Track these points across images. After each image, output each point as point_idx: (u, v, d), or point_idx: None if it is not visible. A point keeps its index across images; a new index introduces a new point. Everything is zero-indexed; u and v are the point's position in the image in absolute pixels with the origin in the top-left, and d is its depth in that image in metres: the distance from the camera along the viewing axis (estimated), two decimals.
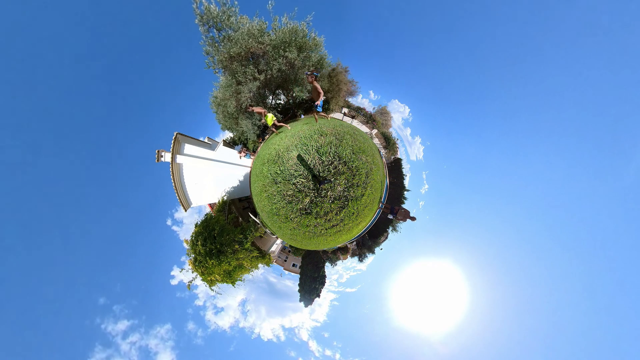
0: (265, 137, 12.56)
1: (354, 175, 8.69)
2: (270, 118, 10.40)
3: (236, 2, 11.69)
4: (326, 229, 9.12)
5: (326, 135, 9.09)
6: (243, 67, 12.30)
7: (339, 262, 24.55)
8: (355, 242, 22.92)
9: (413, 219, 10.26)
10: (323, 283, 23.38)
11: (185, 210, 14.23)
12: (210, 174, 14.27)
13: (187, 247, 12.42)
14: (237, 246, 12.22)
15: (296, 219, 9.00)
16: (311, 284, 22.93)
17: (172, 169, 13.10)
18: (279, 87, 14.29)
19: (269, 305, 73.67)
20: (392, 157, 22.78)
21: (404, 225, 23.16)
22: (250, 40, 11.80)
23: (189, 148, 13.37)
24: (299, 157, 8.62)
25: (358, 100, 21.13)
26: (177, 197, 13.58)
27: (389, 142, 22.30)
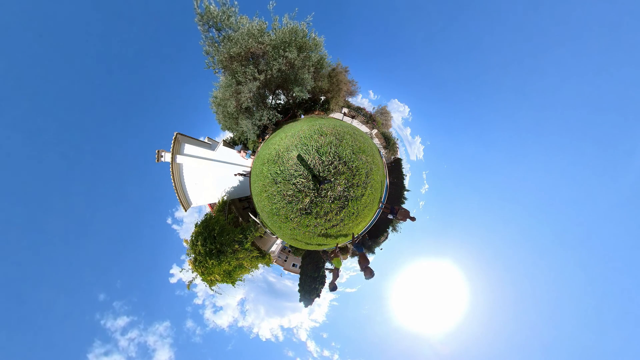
0: (266, 137, 12.61)
1: (354, 175, 8.69)
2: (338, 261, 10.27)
3: (236, 2, 11.68)
4: (326, 229, 9.13)
5: (326, 135, 9.09)
6: (243, 67, 12.29)
7: None
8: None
9: (413, 219, 10.25)
10: (323, 283, 23.37)
11: (185, 210, 14.25)
12: (210, 174, 14.28)
13: (187, 247, 12.42)
14: (237, 246, 12.22)
15: (296, 219, 9.00)
16: (311, 284, 22.93)
17: (172, 169, 13.12)
18: (279, 87, 14.29)
19: (268, 305, 73.68)
20: (392, 157, 22.72)
21: (404, 225, 23.13)
22: (250, 40, 11.80)
23: (189, 148, 13.39)
24: (299, 157, 8.62)
25: (358, 100, 21.02)
26: (177, 197, 13.61)
27: (389, 142, 22.25)
